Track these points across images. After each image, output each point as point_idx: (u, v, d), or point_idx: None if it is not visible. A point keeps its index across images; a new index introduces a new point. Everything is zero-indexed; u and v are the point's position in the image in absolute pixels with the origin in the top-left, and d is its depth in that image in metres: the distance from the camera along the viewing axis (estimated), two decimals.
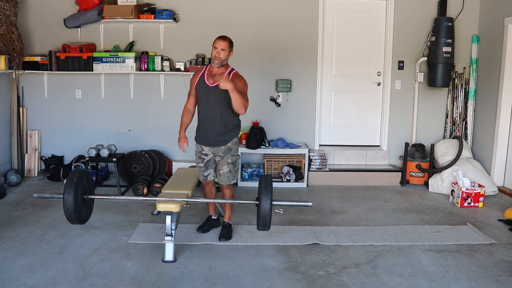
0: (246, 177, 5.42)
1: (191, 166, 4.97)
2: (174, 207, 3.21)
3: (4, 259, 3.21)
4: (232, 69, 3.49)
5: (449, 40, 5.34)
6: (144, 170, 5.24)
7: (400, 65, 5.68)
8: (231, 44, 3.40)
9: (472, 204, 4.63)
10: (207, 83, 3.43)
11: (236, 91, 3.26)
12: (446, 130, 5.78)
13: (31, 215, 4.13)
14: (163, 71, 5.46)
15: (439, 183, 5.16)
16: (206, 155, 3.58)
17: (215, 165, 3.62)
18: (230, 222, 3.73)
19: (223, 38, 3.36)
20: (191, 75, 3.69)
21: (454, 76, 5.63)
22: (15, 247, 3.42)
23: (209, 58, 5.48)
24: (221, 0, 5.53)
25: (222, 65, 3.39)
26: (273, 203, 2.95)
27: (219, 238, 3.60)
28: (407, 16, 5.59)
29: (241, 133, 5.45)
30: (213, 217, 3.84)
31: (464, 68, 5.67)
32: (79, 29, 5.52)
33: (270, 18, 5.55)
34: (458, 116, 5.68)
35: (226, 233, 3.63)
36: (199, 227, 3.79)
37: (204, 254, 3.36)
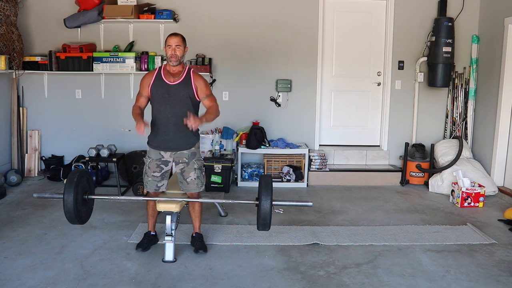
0: (246, 177, 5.42)
1: None
2: (174, 207, 3.21)
3: (4, 259, 3.22)
4: (190, 68, 3.28)
5: (449, 40, 5.34)
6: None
7: (400, 65, 5.67)
8: (184, 39, 3.21)
9: (472, 204, 4.63)
10: (167, 81, 3.20)
11: (206, 114, 3.17)
12: (446, 130, 5.78)
13: (31, 215, 4.13)
14: None
15: (439, 183, 5.16)
16: (166, 163, 3.28)
17: (170, 175, 3.41)
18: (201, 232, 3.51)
19: (175, 34, 3.19)
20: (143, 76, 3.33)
21: (454, 76, 5.63)
22: (15, 247, 3.42)
23: (210, 58, 5.51)
24: (221, 0, 5.53)
25: (180, 62, 3.19)
26: (273, 203, 2.94)
27: (197, 251, 3.36)
28: (407, 16, 5.59)
29: (241, 133, 5.45)
30: (151, 233, 3.51)
31: (464, 68, 5.67)
32: (79, 29, 5.52)
33: (270, 18, 5.55)
34: (458, 116, 5.68)
35: (202, 244, 3.40)
36: (137, 245, 3.45)
37: (204, 254, 3.36)
